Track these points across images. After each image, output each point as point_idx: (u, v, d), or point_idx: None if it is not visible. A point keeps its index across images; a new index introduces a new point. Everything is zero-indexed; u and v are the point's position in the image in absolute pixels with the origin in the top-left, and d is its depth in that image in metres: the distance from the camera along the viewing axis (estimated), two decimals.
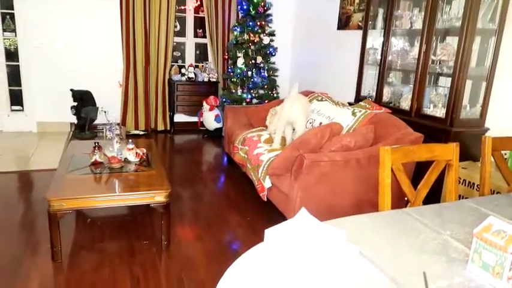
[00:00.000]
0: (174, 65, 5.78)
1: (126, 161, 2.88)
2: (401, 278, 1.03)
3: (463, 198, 2.70)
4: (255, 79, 5.27)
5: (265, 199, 3.05)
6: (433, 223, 1.38)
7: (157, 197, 2.47)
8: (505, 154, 2.46)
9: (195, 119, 5.76)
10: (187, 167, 4.35)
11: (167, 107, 5.69)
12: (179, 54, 6.02)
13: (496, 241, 1.03)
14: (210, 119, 5.47)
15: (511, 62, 2.86)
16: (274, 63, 5.47)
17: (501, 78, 2.92)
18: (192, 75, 5.60)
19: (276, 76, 5.54)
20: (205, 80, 5.67)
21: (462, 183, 2.76)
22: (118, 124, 3.67)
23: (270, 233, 1.11)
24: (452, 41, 3.07)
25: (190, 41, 5.97)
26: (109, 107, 5.43)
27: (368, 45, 3.92)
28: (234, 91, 5.32)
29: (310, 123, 3.60)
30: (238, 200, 3.47)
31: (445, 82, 3.23)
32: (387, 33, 3.57)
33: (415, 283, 1.00)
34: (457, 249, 1.19)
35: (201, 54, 6.14)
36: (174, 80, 5.53)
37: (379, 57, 3.73)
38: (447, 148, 1.76)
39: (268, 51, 5.30)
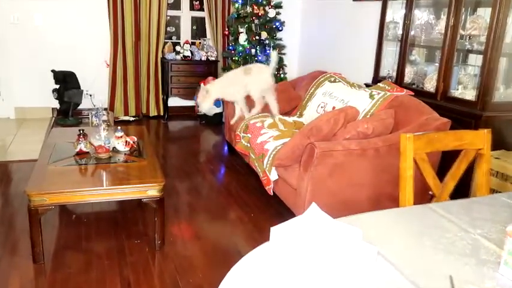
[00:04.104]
0: (167, 42, 5.76)
1: (115, 150, 2.88)
2: (424, 282, 1.02)
3: (495, 192, 2.69)
4: (260, 57, 5.23)
5: (271, 193, 3.05)
6: (461, 220, 1.37)
7: (149, 191, 2.48)
8: None
9: (191, 103, 5.75)
10: (184, 157, 4.36)
11: (160, 90, 5.68)
12: (173, 29, 5.99)
13: None
14: None
15: None
16: (281, 39, 5.42)
17: None
18: (188, 53, 5.57)
19: (283, 54, 5.50)
20: (203, 58, 5.64)
21: (495, 175, 2.74)
22: (105, 109, 3.67)
23: (276, 231, 1.11)
24: (484, 13, 3.02)
25: (185, 15, 5.93)
26: (95, 89, 5.43)
27: (388, 18, 3.87)
28: None
29: (321, 107, 3.58)
30: (241, 194, 3.48)
31: (475, 60, 3.19)
32: (410, 5, 3.52)
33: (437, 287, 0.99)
34: (489, 250, 1.18)
35: (198, 29, 6.10)
36: (167, 59, 5.51)
37: (400, 32, 3.69)
38: (477, 135, 1.74)
39: (274, 26, 5.25)
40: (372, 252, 1.08)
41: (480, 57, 2.95)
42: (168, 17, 5.73)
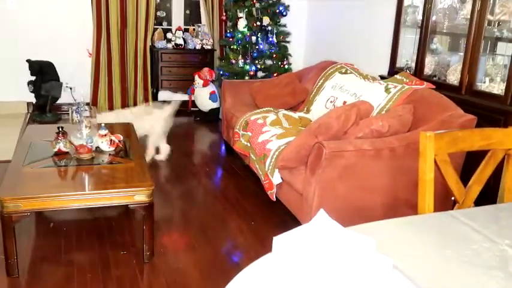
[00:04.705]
0: (157, 28, 5.76)
1: (98, 150, 2.89)
2: None
3: None
4: (261, 46, 5.24)
5: (274, 198, 3.06)
6: (487, 229, 1.37)
7: (137, 196, 2.48)
8: None
9: (185, 97, 5.76)
10: (176, 158, 4.36)
11: (149, 83, 5.69)
12: (164, 14, 5.99)
13: None
14: (203, 97, 5.47)
15: None
16: (285, 25, 5.43)
17: None
18: (180, 41, 5.58)
19: (288, 42, 5.51)
20: (198, 47, 5.65)
21: None
22: (87, 104, 3.68)
23: (279, 241, 1.11)
24: None
25: None
26: (76, 82, 5.43)
27: (406, 2, 3.87)
28: (234, 61, 5.30)
29: (331, 102, 3.59)
30: (240, 200, 3.49)
31: (505, 49, 3.19)
32: None
33: None
34: None
35: (192, 14, 6.11)
36: (157, 47, 5.52)
37: (420, 17, 3.70)
38: (507, 134, 1.74)
39: (277, 11, 5.26)
40: (387, 265, 1.08)
41: (511, 45, 2.96)
42: (158, 0, 5.74)
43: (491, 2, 3.10)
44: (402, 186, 2.62)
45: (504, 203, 1.65)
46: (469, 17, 3.20)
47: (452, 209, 1.67)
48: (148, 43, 5.60)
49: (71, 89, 5.42)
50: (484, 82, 3.19)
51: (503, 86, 3.01)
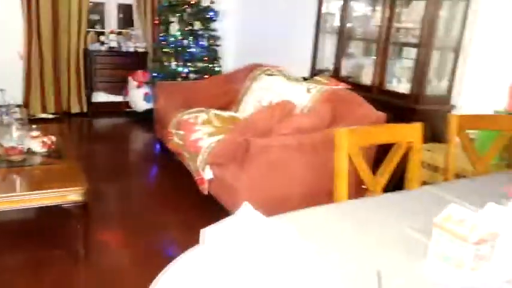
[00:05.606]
0: (90, 31, 5.54)
1: (30, 152, 2.75)
2: (356, 276, 1.07)
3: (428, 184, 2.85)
4: (193, 49, 5.19)
5: (207, 193, 3.05)
6: (392, 214, 1.45)
7: (71, 196, 2.38)
8: (473, 134, 2.63)
9: (119, 98, 5.59)
10: (111, 158, 4.24)
11: (83, 85, 5.46)
12: (98, 17, 5.78)
13: (458, 231, 1.10)
14: (138, 98, 5.35)
15: (480, 30, 3.03)
16: (216, 30, 5.41)
17: (469, 49, 3.10)
18: (114, 44, 5.41)
19: (218, 46, 5.49)
20: (131, 50, 5.50)
21: (427, 168, 2.91)
22: (18, 106, 3.47)
23: (207, 233, 1.11)
24: (418, 6, 3.20)
25: (111, 2, 5.75)
26: (6, 83, 5.06)
27: (325, 9, 3.98)
28: (167, 64, 5.21)
29: (258, 101, 3.62)
30: (174, 196, 3.44)
31: (410, 53, 3.37)
32: None
33: (371, 281, 1.04)
34: (418, 242, 1.26)
35: (126, 18, 5.93)
36: (91, 50, 5.31)
37: (337, 24, 3.81)
38: (409, 128, 1.85)
39: (208, 16, 5.23)
40: (307, 251, 1.11)
41: (414, 50, 3.13)
42: (92, 3, 5.52)
43: (398, 11, 3.26)
44: (322, 177, 2.67)
45: (407, 190, 1.74)
46: (379, 24, 3.35)
47: (364, 196, 1.74)
48: (82, 45, 5.37)
49: (1, 91, 5.08)
50: (392, 83, 3.35)
51: (408, 86, 3.17)
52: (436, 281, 1.09)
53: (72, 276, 2.36)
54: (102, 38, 5.48)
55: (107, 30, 5.72)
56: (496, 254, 1.11)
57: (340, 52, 3.76)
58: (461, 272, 1.09)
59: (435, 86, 3.21)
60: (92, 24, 5.68)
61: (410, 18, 3.25)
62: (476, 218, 1.11)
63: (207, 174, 2.97)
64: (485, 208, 1.16)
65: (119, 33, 5.65)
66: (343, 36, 3.73)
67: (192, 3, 5.11)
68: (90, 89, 5.43)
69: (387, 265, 1.13)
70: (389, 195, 1.63)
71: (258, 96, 3.66)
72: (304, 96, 3.25)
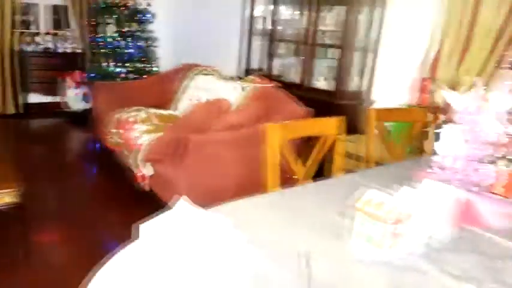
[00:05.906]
0: (24, 32, 5.18)
1: None
2: (287, 259, 1.09)
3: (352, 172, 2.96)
4: (131, 50, 5.02)
5: (148, 189, 2.97)
6: (320, 200, 1.48)
7: (4, 198, 2.22)
8: (389, 126, 2.76)
9: (56, 99, 5.29)
10: (50, 158, 4.01)
11: (17, 85, 5.11)
12: (32, 19, 5.41)
13: (377, 213, 1.15)
14: (75, 98, 5.11)
15: (391, 33, 3.19)
16: (153, 31, 5.27)
17: (384, 49, 3.25)
18: (49, 45, 5.11)
19: (155, 47, 5.36)
20: (68, 51, 5.22)
21: (351, 158, 3.02)
22: None
23: (142, 228, 1.08)
24: (341, 11, 3.30)
25: (45, 3, 5.41)
26: None
27: (256, 13, 4.00)
28: (104, 64, 5.00)
29: (195, 99, 3.58)
30: (114, 194, 3.32)
31: (334, 54, 3.47)
32: (275, 0, 3.69)
33: (301, 262, 1.06)
34: (343, 225, 1.30)
35: (61, 19, 5.61)
36: (25, 51, 4.98)
37: (268, 27, 3.85)
38: (332, 122, 1.90)
39: (145, 18, 5.08)
40: (241, 241, 1.11)
41: (338, 51, 3.23)
42: (24, 4, 5.16)
43: (322, 15, 3.35)
44: (256, 169, 2.69)
45: (331, 178, 1.80)
46: (306, 27, 3.42)
47: (294, 185, 1.77)
48: (15, 46, 5.01)
49: None
50: (319, 81, 3.44)
51: (333, 84, 3.27)
52: (360, 258, 1.14)
53: (12, 279, 2.20)
54: (37, 39, 5.16)
55: (42, 31, 5.38)
56: (409, 231, 1.17)
57: (272, 52, 3.80)
58: (381, 251, 1.14)
59: (356, 83, 3.33)
60: (26, 25, 5.31)
61: (334, 22, 3.35)
62: (393, 200, 1.16)
63: (148, 170, 2.89)
64: (400, 191, 1.22)
65: (55, 34, 5.34)
66: (274, 38, 3.77)
67: (128, 5, 4.93)
68: (26, 90, 5.09)
69: (316, 247, 1.16)
70: (318, 183, 1.66)
71: (195, 94, 3.61)
72: (238, 94, 3.25)
